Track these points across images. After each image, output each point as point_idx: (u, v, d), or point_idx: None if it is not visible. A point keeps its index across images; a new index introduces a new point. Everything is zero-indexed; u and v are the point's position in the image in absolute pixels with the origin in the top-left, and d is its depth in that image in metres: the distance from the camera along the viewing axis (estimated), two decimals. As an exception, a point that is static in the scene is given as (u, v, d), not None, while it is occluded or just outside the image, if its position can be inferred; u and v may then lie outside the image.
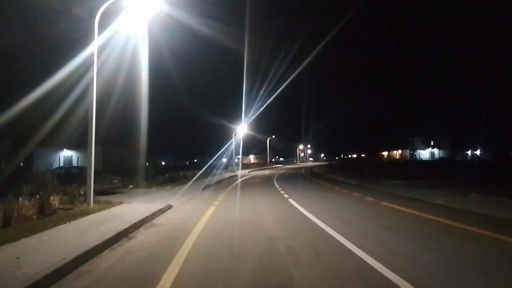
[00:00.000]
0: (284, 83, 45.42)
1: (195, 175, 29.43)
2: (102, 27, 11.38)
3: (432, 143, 69.23)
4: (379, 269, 5.00)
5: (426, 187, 16.23)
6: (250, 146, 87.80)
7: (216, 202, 13.45)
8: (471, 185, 15.14)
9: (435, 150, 69.26)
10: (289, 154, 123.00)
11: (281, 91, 46.85)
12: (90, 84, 11.29)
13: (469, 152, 64.54)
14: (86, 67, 11.48)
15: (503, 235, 7.01)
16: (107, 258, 5.98)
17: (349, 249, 6.18)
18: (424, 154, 68.88)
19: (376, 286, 4.47)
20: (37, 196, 10.01)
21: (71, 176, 16.09)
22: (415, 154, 68.21)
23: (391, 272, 4.82)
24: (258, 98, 49.78)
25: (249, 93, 50.04)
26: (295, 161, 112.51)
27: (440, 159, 57.58)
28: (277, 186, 21.64)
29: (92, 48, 11.04)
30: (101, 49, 11.84)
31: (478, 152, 61.80)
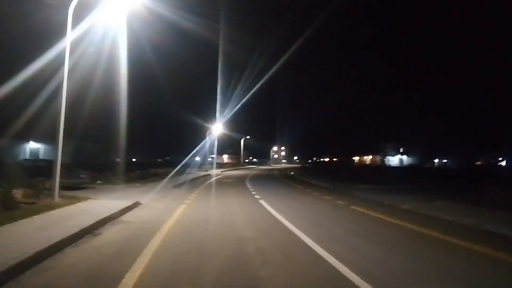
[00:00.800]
0: (259, 82, 45.51)
1: (167, 173, 29.02)
2: (79, 18, 11.04)
3: (402, 150, 71.18)
4: (344, 272, 5.04)
5: (395, 193, 16.62)
6: (225, 145, 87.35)
7: (187, 201, 13.30)
8: (438, 192, 15.62)
9: (404, 157, 71.23)
10: (263, 155, 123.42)
11: (256, 91, 46.92)
12: (63, 76, 10.93)
13: (436, 160, 66.75)
14: (61, 59, 11.10)
15: (466, 241, 7.23)
16: (70, 255, 5.79)
17: (317, 252, 6.22)
18: (394, 160, 70.75)
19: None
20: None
21: (37, 169, 15.56)
22: (385, 160, 69.91)
23: (357, 276, 4.87)
24: (233, 97, 49.74)
25: (224, 92, 49.90)
26: (268, 163, 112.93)
27: (409, 165, 59.26)
28: (249, 186, 21.64)
29: (67, 39, 10.68)
30: (78, 42, 11.50)
31: (445, 161, 64.03)
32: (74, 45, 11.16)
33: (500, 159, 64.64)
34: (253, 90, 46.90)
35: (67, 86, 11.19)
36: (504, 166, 56.28)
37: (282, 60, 41.00)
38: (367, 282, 4.62)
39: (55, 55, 11.21)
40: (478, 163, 65.07)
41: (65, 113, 11.06)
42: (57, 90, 11.05)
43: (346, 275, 4.94)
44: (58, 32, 11.08)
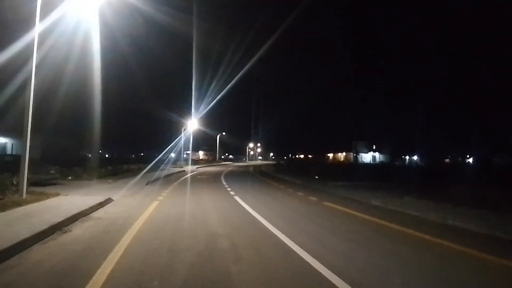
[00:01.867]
0: (234, 78, 45.37)
1: (140, 169, 28.62)
2: (48, 8, 10.69)
3: (374, 147, 72.73)
4: (315, 266, 5.18)
5: (366, 189, 16.99)
6: (200, 142, 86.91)
7: (160, 197, 13.18)
8: (407, 188, 16.07)
9: (377, 154, 72.84)
10: (239, 152, 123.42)
11: (231, 87, 46.75)
12: (30, 68, 10.59)
13: (407, 157, 68.58)
14: (30, 51, 10.72)
15: (432, 236, 7.54)
16: (38, 252, 5.67)
17: (289, 247, 6.32)
18: (366, 157, 72.27)
19: (312, 282, 4.62)
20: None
21: (4, 165, 15.02)
22: (358, 157, 71.26)
23: (327, 269, 5.00)
24: (209, 93, 49.39)
25: (199, 87, 49.52)
26: (244, 159, 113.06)
27: (381, 163, 60.63)
28: (224, 183, 21.63)
29: (35, 31, 10.34)
30: (47, 33, 11.13)
31: (415, 158, 65.89)
32: (44, 37, 10.80)
33: (468, 156, 67.17)
34: (228, 86, 46.74)
35: (37, 79, 10.89)
36: (470, 164, 58.47)
37: (257, 56, 41.08)
38: (337, 275, 4.76)
39: (23, 46, 10.81)
40: (447, 160, 67.36)
41: (34, 107, 10.74)
42: (26, 83, 10.69)
43: (317, 269, 5.07)
44: (27, 22, 10.69)
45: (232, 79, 45.25)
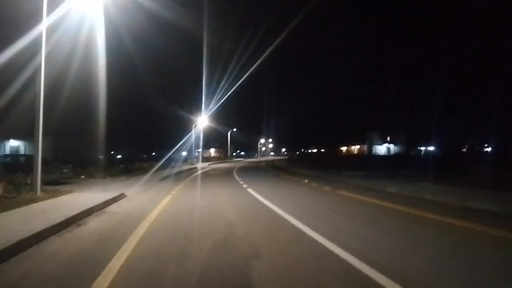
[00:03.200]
0: (245, 74, 45.10)
1: (152, 167, 28.79)
2: (54, 4, 10.69)
3: (388, 138, 71.84)
4: (332, 249, 5.07)
5: (381, 178, 16.76)
6: (211, 139, 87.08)
7: (174, 192, 13.19)
8: (423, 175, 15.80)
9: (391, 146, 71.97)
10: (250, 148, 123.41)
11: (242, 82, 46.37)
12: (38, 67, 10.62)
13: (423, 148, 67.59)
14: (34, 49, 10.75)
15: (448, 217, 7.38)
16: (54, 243, 5.68)
17: (304, 232, 6.23)
18: (381, 149, 71.39)
19: (329, 264, 4.51)
20: (-22, 183, 9.33)
21: (18, 165, 15.19)
22: (372, 149, 70.52)
23: (344, 251, 4.90)
24: (219, 89, 49.14)
25: (209, 84, 49.32)
26: (256, 155, 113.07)
27: (396, 154, 59.90)
28: (236, 177, 21.60)
29: (41, 28, 10.35)
30: (52, 30, 11.12)
31: (431, 148, 64.89)
32: (48, 34, 10.78)
33: (486, 145, 65.82)
34: (239, 82, 46.46)
35: (45, 81, 10.86)
36: (489, 152, 57.33)
37: (267, 52, 40.67)
38: (355, 256, 4.65)
39: (31, 43, 10.80)
40: (464, 150, 66.19)
41: (44, 107, 10.76)
42: (29, 84, 10.66)
43: (334, 251, 4.97)
44: (29, 19, 10.66)
45: (243, 75, 45.03)
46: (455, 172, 18.79)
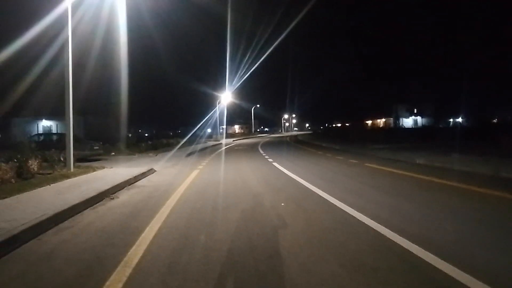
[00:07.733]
0: (269, 49, 44.50)
1: (178, 143, 29.24)
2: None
3: (415, 111, 69.99)
4: (360, 218, 5.06)
5: (409, 150, 16.46)
6: (235, 115, 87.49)
7: (200, 166, 13.39)
8: (452, 147, 15.39)
9: (418, 118, 70.16)
10: (274, 124, 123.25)
11: (266, 58, 46.03)
12: (65, 45, 10.76)
13: (451, 120, 65.61)
14: (56, 28, 10.86)
15: (482, 187, 7.19)
16: (88, 215, 5.90)
17: (332, 202, 6.23)
18: (408, 122, 69.75)
19: (357, 231, 4.51)
20: (15, 160, 9.71)
21: (51, 143, 15.74)
22: (398, 122, 68.96)
23: (372, 221, 4.87)
24: (243, 65, 48.80)
25: (233, 60, 49.06)
26: (280, 131, 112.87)
27: (423, 126, 58.38)
28: (261, 152, 21.67)
29: (66, 4, 10.43)
30: (75, 7, 11.18)
31: (460, 120, 62.88)
32: (72, 11, 10.85)
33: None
34: (262, 58, 45.99)
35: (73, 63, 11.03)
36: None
37: (290, 27, 39.84)
38: (382, 225, 4.63)
39: (50, 22, 10.90)
40: (494, 120, 63.82)
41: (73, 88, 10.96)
42: (56, 63, 10.80)
43: (361, 220, 4.96)
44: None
45: (266, 51, 44.48)
46: (486, 142, 18.18)
